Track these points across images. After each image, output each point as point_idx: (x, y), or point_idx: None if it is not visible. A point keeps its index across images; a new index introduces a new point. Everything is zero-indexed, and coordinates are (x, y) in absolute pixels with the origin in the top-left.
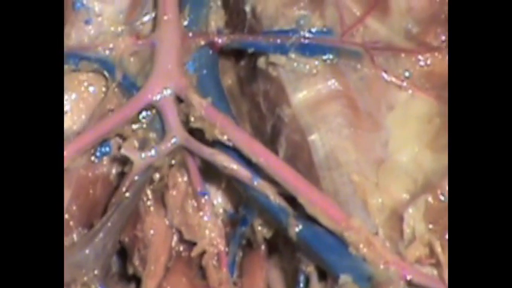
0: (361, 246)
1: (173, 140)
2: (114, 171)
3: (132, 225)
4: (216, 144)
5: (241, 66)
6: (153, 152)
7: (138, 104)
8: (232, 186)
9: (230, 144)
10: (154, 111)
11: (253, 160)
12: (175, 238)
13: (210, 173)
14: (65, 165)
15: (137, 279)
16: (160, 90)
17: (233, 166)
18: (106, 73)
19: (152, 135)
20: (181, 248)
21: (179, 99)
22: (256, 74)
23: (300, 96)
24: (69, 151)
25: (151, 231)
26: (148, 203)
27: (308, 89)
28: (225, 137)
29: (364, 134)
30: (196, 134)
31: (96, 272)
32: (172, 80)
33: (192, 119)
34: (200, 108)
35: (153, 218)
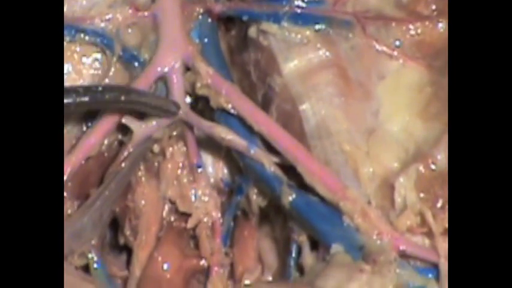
0: (355, 216)
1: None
2: (106, 141)
3: (123, 196)
4: (218, 112)
5: (231, 35)
6: (153, 122)
7: (150, 78)
8: (229, 158)
9: (234, 112)
10: (160, 82)
11: (256, 129)
12: (166, 208)
13: (209, 144)
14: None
15: (128, 249)
16: (170, 61)
17: (230, 136)
18: (104, 46)
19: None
20: (172, 218)
21: (186, 68)
22: (247, 43)
23: (291, 65)
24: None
25: (143, 202)
26: (140, 173)
27: (299, 58)
28: (230, 105)
29: (355, 103)
30: (201, 100)
31: (93, 241)
32: (180, 50)
33: (198, 85)
34: (206, 76)
35: (144, 188)
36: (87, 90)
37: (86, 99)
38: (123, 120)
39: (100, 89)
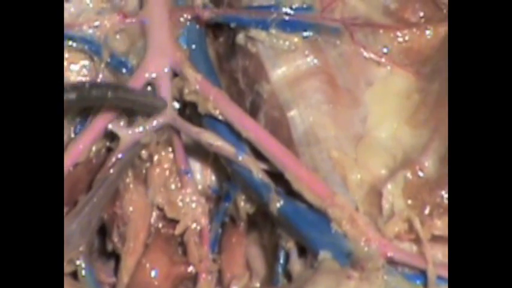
0: (343, 222)
1: (161, 119)
2: (94, 148)
3: (111, 202)
4: (206, 118)
5: (220, 42)
6: (141, 128)
7: (138, 83)
8: (217, 164)
9: (221, 118)
10: (148, 88)
11: (244, 135)
12: (154, 215)
13: (196, 150)
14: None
15: (116, 256)
16: (157, 67)
17: (218, 143)
18: (92, 53)
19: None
20: (160, 225)
21: (174, 74)
22: (235, 50)
23: (279, 72)
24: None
25: (131, 208)
26: (128, 180)
27: (287, 65)
28: (217, 111)
29: (343, 110)
30: (189, 106)
31: (81, 248)
32: (168, 56)
33: (186, 91)
34: (195, 82)
35: (132, 195)
36: (73, 87)
37: (73, 96)
38: (110, 127)
39: (87, 86)
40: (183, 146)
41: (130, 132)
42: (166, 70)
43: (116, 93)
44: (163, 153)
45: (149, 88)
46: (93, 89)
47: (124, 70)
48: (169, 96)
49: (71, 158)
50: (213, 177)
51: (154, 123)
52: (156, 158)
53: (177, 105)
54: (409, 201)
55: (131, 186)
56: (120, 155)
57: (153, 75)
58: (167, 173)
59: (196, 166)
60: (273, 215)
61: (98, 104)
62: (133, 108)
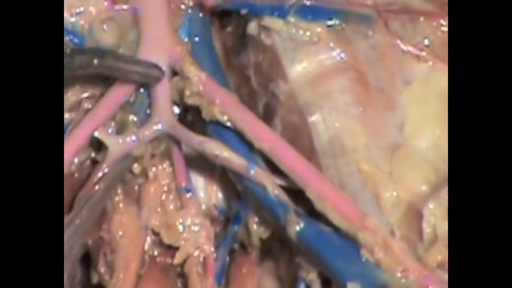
0: (376, 249)
1: (158, 126)
2: (76, 159)
3: (97, 225)
4: (211, 125)
5: (227, 32)
6: (133, 137)
7: (129, 84)
8: (225, 180)
9: (230, 125)
10: (141, 90)
11: (256, 145)
12: (148, 240)
13: (200, 163)
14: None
15: None
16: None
17: (225, 154)
18: (74, 46)
19: (132, 118)
20: (155, 253)
21: (173, 72)
22: (246, 43)
23: (299, 68)
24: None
25: (120, 233)
26: (117, 198)
27: (308, 60)
28: (225, 117)
29: (375, 114)
30: (190, 111)
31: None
32: (165, 51)
33: (188, 93)
34: (198, 82)
35: (121, 216)
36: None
37: None
38: (96, 134)
39: (68, 51)
40: (183, 159)
41: (120, 141)
42: (163, 68)
43: (103, 60)
44: (160, 167)
45: (142, 90)
46: (75, 54)
47: None
48: (167, 99)
49: None
50: (220, 196)
51: (150, 131)
52: (151, 172)
53: (176, 110)
54: None
55: (121, 205)
56: (107, 169)
57: None
58: (164, 190)
59: (199, 182)
60: (291, 240)
61: (82, 73)
62: (124, 79)
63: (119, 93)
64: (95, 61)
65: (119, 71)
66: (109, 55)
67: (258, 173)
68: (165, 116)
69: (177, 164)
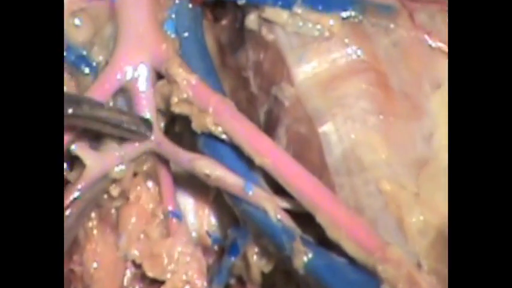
0: (400, 285)
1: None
2: None
3: (67, 256)
4: (202, 138)
5: (222, 26)
6: (114, 156)
7: (105, 89)
8: (219, 202)
9: (225, 138)
10: (120, 96)
11: (257, 161)
12: (128, 274)
13: (189, 183)
14: None
15: None
16: (133, 65)
17: (219, 173)
18: None
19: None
20: None
21: (158, 75)
22: (244, 38)
23: (307, 69)
24: None
25: (94, 265)
26: (90, 224)
27: (319, 59)
28: (219, 128)
29: (398, 123)
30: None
31: None
32: (148, 49)
33: (175, 100)
34: (186, 87)
35: (96, 245)
36: None
37: None
38: (73, 148)
39: None
40: (171, 178)
41: (100, 158)
42: (145, 69)
43: (79, 110)
44: (142, 187)
45: (122, 97)
46: None
47: (86, 69)
48: (151, 107)
49: None
50: (213, 221)
51: (134, 146)
52: (132, 194)
53: (161, 121)
54: None
55: (95, 233)
56: (81, 191)
57: (128, 77)
58: (147, 214)
59: (189, 205)
60: (298, 273)
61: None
62: (104, 132)
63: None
64: (69, 110)
65: (97, 122)
66: (85, 103)
67: (258, 194)
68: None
69: (163, 183)
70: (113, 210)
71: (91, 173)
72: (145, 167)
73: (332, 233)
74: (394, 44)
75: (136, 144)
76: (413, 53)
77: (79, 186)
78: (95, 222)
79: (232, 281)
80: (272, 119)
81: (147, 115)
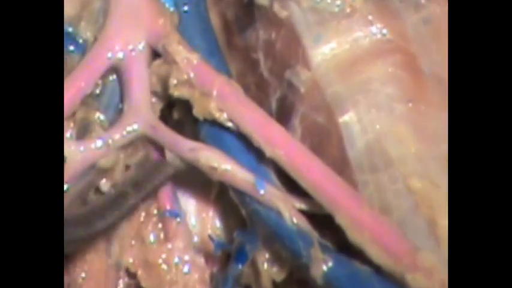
0: None
1: (132, 126)
2: None
3: None
4: (205, 126)
5: (228, 1)
6: (98, 142)
7: (94, 69)
8: (224, 201)
9: (231, 126)
10: (110, 77)
11: (268, 153)
12: (121, 284)
13: (190, 179)
14: None
15: None
16: (126, 43)
17: (226, 166)
18: None
19: (99, 116)
20: None
21: (154, 54)
22: (253, 15)
23: (326, 50)
24: None
25: (83, 274)
26: None
27: (339, 39)
28: (225, 115)
29: (430, 111)
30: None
31: None
32: (143, 24)
33: (174, 82)
34: (187, 67)
35: (84, 252)
36: None
37: None
38: None
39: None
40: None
41: (82, 148)
42: (140, 47)
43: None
44: None
45: (111, 77)
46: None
47: (71, 47)
48: (145, 89)
49: None
50: (217, 224)
51: (121, 133)
52: None
53: (158, 105)
54: None
55: None
56: (65, 186)
57: (119, 55)
58: (142, 216)
59: (189, 205)
60: (315, 283)
61: None
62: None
63: (79, 81)
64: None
65: None
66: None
67: (271, 193)
68: (142, 112)
69: None
70: None
71: (72, 166)
72: (138, 157)
73: (354, 236)
74: (425, 21)
75: (126, 128)
76: (447, 31)
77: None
78: None
79: None
80: (285, 107)
81: (140, 99)
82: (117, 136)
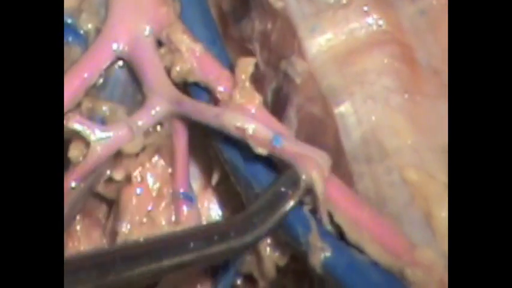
0: None
1: (156, 108)
2: None
3: None
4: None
5: None
6: (123, 129)
7: (97, 62)
8: (224, 187)
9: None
10: (117, 63)
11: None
12: None
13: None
14: None
15: None
16: (130, 33)
17: (250, 125)
18: None
19: (108, 107)
20: None
21: (158, 42)
22: (249, 5)
23: (322, 41)
24: None
25: None
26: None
27: (334, 30)
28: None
29: (426, 103)
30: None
31: None
32: (146, 13)
33: (177, 69)
34: (191, 57)
35: (79, 243)
36: None
37: None
38: (70, 124)
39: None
40: (187, 152)
41: (104, 135)
42: (146, 32)
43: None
44: (147, 165)
45: (121, 63)
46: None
47: (71, 38)
48: (159, 69)
49: None
50: (218, 209)
51: (147, 117)
52: (134, 176)
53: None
54: None
55: (78, 228)
56: (81, 176)
57: (125, 47)
58: (153, 196)
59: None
60: (314, 272)
61: None
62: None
63: (83, 72)
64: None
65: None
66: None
67: (288, 149)
68: (164, 90)
69: (178, 158)
70: (100, 202)
71: (95, 152)
72: (151, 140)
73: (351, 231)
74: (422, 12)
75: (150, 112)
76: (443, 22)
77: (79, 170)
78: (77, 216)
79: (239, 281)
80: (281, 98)
81: (159, 78)
82: (141, 121)
